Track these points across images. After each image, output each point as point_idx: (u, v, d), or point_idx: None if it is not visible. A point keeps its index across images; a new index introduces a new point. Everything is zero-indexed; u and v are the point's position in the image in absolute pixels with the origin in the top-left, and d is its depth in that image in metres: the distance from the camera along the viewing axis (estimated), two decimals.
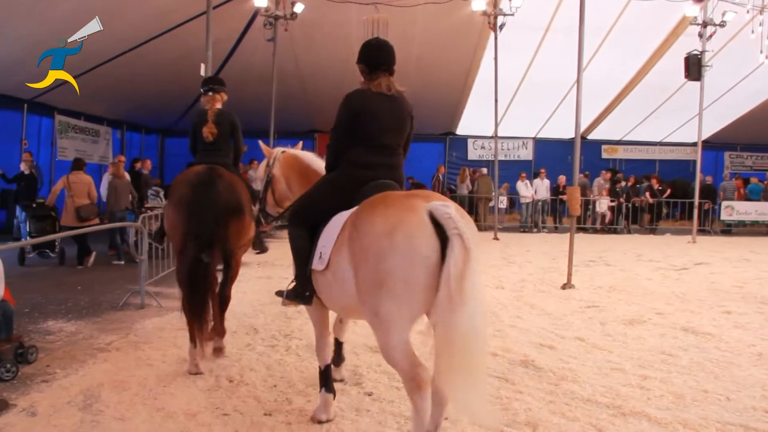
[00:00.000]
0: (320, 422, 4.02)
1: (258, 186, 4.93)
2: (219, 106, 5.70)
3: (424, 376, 3.10)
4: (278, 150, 4.86)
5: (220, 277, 5.49)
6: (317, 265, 3.64)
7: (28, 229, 10.87)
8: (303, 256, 3.86)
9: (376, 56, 3.87)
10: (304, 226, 3.90)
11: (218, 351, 5.45)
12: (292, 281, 4.04)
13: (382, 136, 3.79)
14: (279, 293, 4.19)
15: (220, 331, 5.46)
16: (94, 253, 10.79)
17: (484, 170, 20.17)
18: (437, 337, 2.99)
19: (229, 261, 5.35)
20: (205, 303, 4.99)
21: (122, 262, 10.93)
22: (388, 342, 3.17)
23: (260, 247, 6.02)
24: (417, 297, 3.06)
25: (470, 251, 2.93)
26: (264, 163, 4.88)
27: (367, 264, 3.15)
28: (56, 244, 10.68)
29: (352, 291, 3.31)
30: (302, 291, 3.89)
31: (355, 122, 3.77)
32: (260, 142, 5.13)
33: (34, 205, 11.06)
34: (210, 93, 5.71)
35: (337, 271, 3.45)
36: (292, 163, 4.71)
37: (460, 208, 3.25)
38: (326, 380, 4.12)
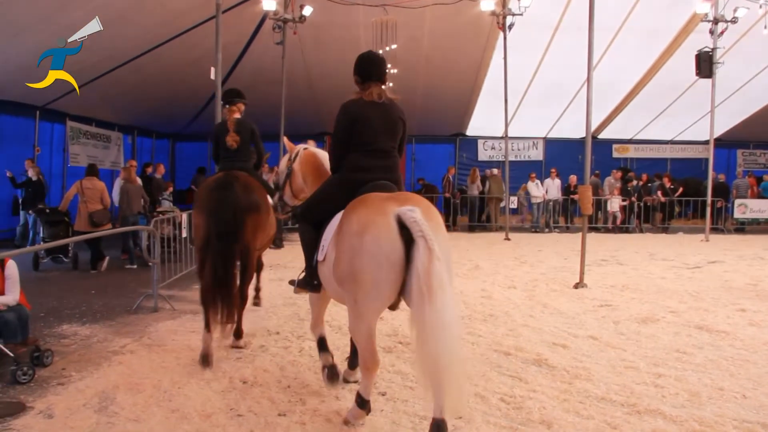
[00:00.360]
0: (330, 382, 4.55)
1: (280, 178, 5.41)
2: (238, 116, 6.19)
3: (374, 360, 3.83)
4: (301, 146, 5.29)
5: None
6: (319, 255, 4.14)
7: (41, 235, 10.94)
8: (311, 248, 4.33)
9: (368, 68, 4.26)
10: (312, 222, 4.36)
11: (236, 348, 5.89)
12: (303, 271, 4.52)
13: (376, 141, 4.16)
14: (291, 282, 4.72)
15: (238, 332, 5.89)
16: (107, 258, 10.88)
17: (496, 171, 20.10)
18: (414, 331, 3.40)
19: (246, 258, 5.71)
20: (221, 292, 5.32)
21: (135, 266, 11.00)
22: (357, 326, 3.78)
23: (277, 244, 6.15)
24: (383, 290, 3.59)
25: (434, 252, 3.32)
26: (286, 157, 5.34)
27: (345, 259, 3.69)
28: (69, 249, 10.75)
29: None
30: (311, 280, 4.38)
31: (351, 129, 4.15)
32: (285, 138, 5.64)
33: (48, 211, 11.13)
34: (227, 105, 6.23)
35: (341, 267, 3.81)
36: (311, 160, 5.08)
37: (430, 208, 3.72)
38: (322, 347, 4.74)
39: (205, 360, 5.27)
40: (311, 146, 5.43)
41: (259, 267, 7.05)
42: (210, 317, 5.32)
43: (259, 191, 5.80)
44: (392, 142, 4.26)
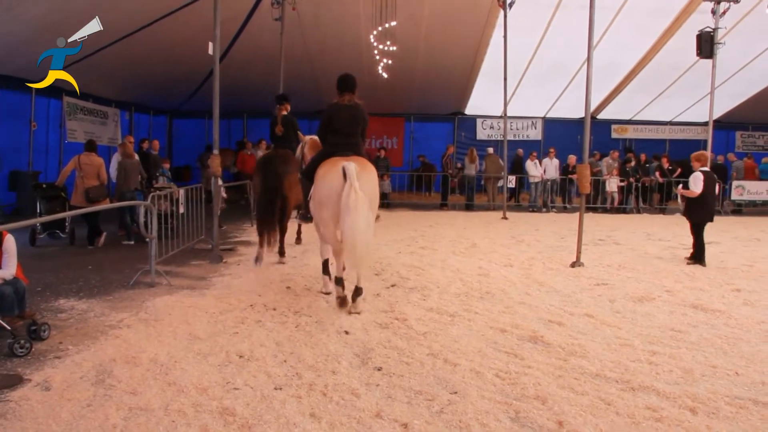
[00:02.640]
0: (325, 293, 7.07)
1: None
2: (284, 112, 9.28)
3: (338, 249, 6.22)
4: (307, 138, 8.72)
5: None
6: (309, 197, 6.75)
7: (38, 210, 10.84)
8: (306, 193, 6.86)
9: (343, 84, 6.61)
10: (307, 176, 6.74)
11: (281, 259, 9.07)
12: (302, 208, 7.45)
13: (344, 128, 6.55)
14: (299, 215, 7.92)
15: (281, 251, 9.18)
16: (104, 234, 10.84)
17: (491, 150, 20.04)
18: (340, 234, 5.98)
19: (284, 202, 8.52)
20: (271, 224, 8.42)
21: (132, 242, 10.97)
22: (324, 232, 6.56)
23: (304, 218, 7.69)
24: (332, 209, 6.07)
25: (354, 188, 5.78)
26: (300, 146, 8.85)
27: (316, 191, 6.33)
28: (66, 224, 10.72)
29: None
30: (306, 214, 7.05)
31: (329, 122, 6.59)
32: (299, 133, 9.21)
33: (44, 186, 11.07)
34: (278, 105, 9.31)
35: (314, 198, 6.45)
36: (314, 144, 8.19)
37: (366, 165, 6.31)
38: (325, 269, 7.26)
39: (259, 259, 8.65)
40: (313, 136, 8.25)
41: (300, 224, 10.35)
42: (261, 241, 8.55)
43: (293, 164, 8.66)
44: (355, 129, 6.59)
